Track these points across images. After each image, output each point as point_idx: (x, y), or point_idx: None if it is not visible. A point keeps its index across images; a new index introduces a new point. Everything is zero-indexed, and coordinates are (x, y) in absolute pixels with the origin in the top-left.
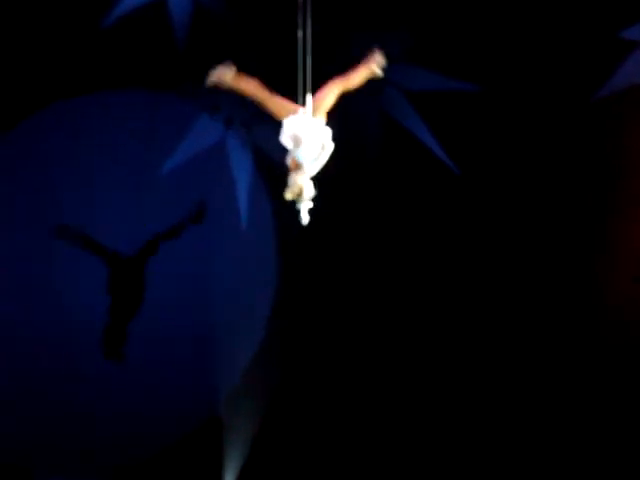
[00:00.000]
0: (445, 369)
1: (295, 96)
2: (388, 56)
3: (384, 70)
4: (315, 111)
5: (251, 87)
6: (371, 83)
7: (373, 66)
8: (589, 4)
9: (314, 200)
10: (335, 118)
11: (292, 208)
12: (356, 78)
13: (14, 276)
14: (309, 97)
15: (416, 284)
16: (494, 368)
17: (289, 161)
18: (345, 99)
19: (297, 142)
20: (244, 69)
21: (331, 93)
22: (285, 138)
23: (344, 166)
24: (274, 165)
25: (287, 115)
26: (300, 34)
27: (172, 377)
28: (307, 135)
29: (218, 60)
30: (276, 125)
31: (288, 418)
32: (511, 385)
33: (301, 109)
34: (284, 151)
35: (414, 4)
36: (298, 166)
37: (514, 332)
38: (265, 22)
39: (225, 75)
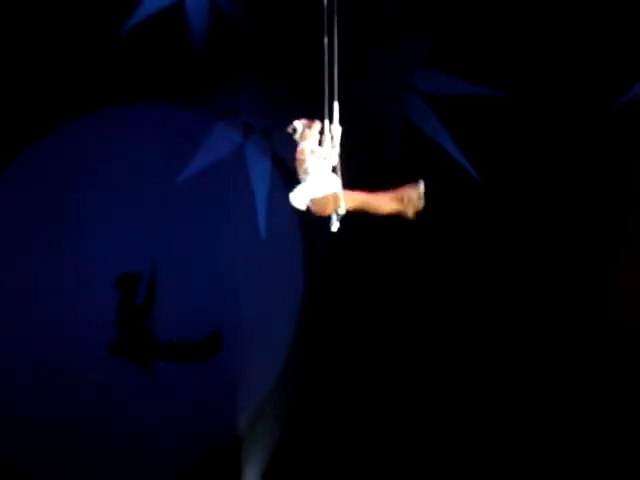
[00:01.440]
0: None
1: (316, 105)
2: (409, 60)
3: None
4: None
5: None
6: (391, 88)
7: (413, 198)
8: (614, 10)
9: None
10: (355, 123)
11: (314, 218)
12: (386, 205)
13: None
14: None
15: (437, 290)
16: (513, 367)
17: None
18: (365, 104)
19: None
20: (262, 74)
21: (357, 201)
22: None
23: (364, 172)
24: (294, 173)
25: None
26: (325, 40)
27: (191, 395)
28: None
29: (236, 67)
30: None
31: (305, 438)
32: (523, 382)
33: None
34: None
35: (436, 7)
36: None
37: (533, 336)
38: (285, 29)
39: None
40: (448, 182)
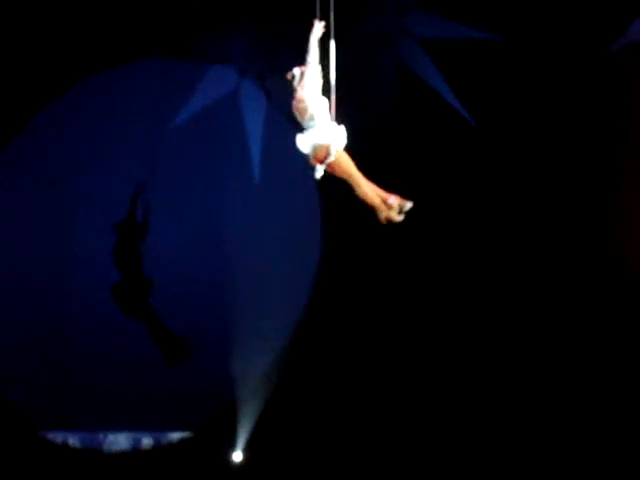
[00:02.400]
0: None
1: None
2: (405, 4)
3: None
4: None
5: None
6: (387, 32)
7: (394, 205)
8: None
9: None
10: (349, 67)
11: (307, 161)
12: (368, 193)
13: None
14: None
15: (431, 240)
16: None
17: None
18: (361, 48)
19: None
20: (256, 18)
21: (346, 167)
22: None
23: (359, 118)
24: (289, 116)
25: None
26: None
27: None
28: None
29: (229, 12)
30: None
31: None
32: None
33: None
34: None
35: None
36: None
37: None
38: None
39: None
40: (443, 126)
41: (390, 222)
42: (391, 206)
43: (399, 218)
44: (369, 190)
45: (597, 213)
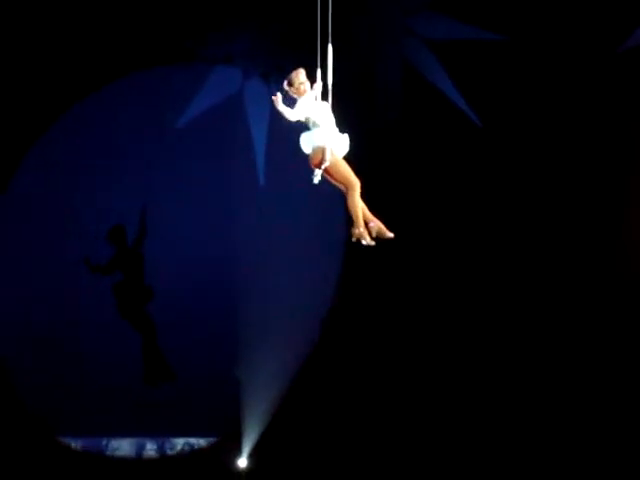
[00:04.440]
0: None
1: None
2: (410, 4)
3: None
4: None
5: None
6: (392, 32)
7: (372, 230)
8: None
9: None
10: (355, 68)
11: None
12: (356, 207)
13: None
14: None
15: (440, 237)
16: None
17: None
18: (366, 48)
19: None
20: (259, 19)
21: (341, 174)
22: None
23: (363, 119)
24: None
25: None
26: None
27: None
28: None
29: (232, 12)
30: None
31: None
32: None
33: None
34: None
35: None
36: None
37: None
38: None
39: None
40: (448, 126)
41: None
42: (370, 229)
43: (370, 242)
44: (359, 204)
45: (604, 213)
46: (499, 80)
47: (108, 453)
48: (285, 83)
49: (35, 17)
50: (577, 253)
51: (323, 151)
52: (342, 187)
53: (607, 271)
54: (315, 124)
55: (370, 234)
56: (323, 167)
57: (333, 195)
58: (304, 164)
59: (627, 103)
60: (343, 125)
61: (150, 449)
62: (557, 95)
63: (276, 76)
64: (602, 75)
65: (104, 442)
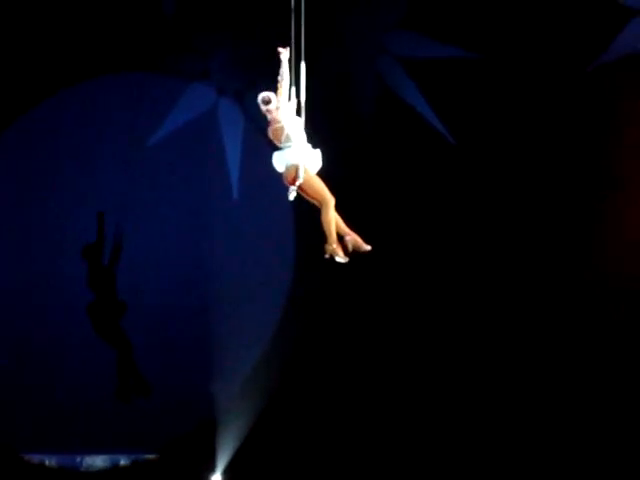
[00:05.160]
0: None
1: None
2: (383, 22)
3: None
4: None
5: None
6: (366, 50)
7: (348, 244)
8: None
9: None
10: (328, 84)
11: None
12: (330, 222)
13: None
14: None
15: (410, 251)
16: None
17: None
18: (340, 66)
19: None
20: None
21: (316, 191)
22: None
23: (337, 135)
24: (266, 133)
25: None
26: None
27: (169, 377)
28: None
29: (207, 30)
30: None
31: (283, 422)
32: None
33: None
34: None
35: None
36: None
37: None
38: None
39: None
40: (422, 145)
41: (330, 257)
42: (346, 242)
43: (343, 259)
44: (333, 220)
45: (576, 228)
46: (472, 98)
47: (82, 469)
48: (260, 100)
49: (22, 12)
50: (551, 267)
51: (297, 169)
52: (316, 203)
53: (578, 283)
54: (288, 139)
55: (345, 249)
56: (297, 184)
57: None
58: (278, 179)
59: (597, 120)
60: (317, 141)
61: (124, 464)
62: (529, 112)
63: (250, 93)
64: (573, 93)
65: (78, 459)
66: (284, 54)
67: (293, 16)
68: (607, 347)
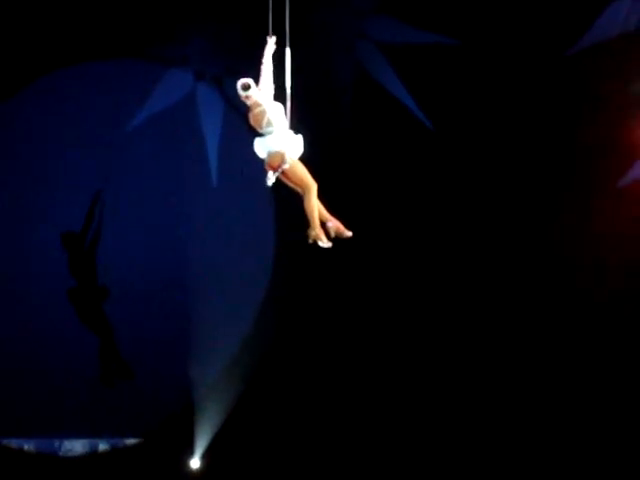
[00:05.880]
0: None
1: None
2: (362, 8)
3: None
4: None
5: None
6: (346, 36)
7: (331, 230)
8: None
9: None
10: (307, 70)
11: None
12: (313, 208)
13: None
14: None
15: (390, 236)
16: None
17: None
18: (317, 51)
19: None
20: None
21: (300, 178)
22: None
23: (315, 122)
24: (246, 119)
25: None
26: None
27: (148, 363)
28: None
29: (186, 15)
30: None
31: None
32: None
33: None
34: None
35: None
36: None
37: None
38: None
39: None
40: (400, 130)
41: (314, 242)
42: (328, 229)
43: (326, 244)
44: (315, 206)
45: (555, 215)
46: (451, 84)
47: (61, 454)
48: (239, 86)
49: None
50: (531, 253)
51: (282, 156)
52: (298, 189)
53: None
54: (270, 124)
55: (328, 234)
56: (280, 170)
57: (291, 195)
58: (258, 165)
59: (576, 105)
60: (296, 127)
61: (103, 449)
62: (508, 98)
63: (229, 79)
64: (552, 78)
65: (56, 443)
66: (271, 41)
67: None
68: (607, 347)
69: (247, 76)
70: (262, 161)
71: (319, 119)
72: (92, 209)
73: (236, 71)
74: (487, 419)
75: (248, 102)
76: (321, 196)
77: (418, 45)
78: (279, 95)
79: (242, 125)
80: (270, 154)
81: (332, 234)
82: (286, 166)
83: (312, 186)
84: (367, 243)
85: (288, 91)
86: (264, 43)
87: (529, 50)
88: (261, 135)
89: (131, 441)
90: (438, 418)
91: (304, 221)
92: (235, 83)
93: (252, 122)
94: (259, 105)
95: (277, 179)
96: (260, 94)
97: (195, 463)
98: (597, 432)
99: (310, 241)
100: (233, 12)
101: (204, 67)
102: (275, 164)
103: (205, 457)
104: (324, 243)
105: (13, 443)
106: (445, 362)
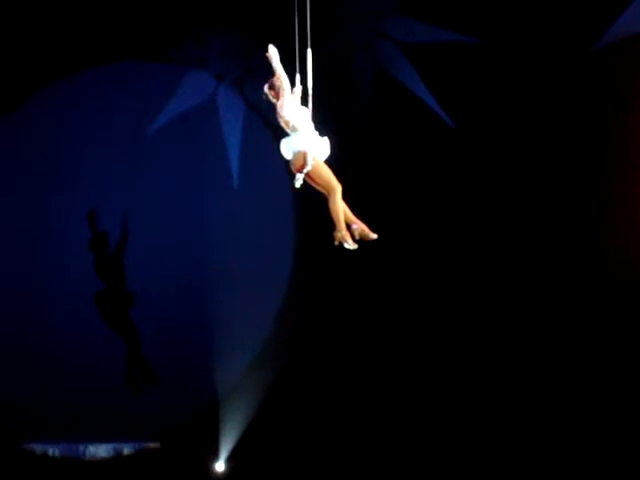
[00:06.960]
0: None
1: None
2: (382, 8)
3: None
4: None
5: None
6: (366, 36)
7: (356, 232)
8: None
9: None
10: (328, 71)
11: (287, 165)
12: (338, 210)
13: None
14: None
15: (412, 235)
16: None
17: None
18: (339, 52)
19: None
20: (232, 23)
21: (325, 179)
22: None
23: (338, 122)
24: (267, 121)
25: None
26: None
27: (173, 363)
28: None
29: (206, 17)
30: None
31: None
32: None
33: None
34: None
35: None
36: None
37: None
38: None
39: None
40: (422, 129)
41: (338, 243)
42: (353, 231)
43: (352, 246)
44: (340, 208)
45: (580, 212)
46: (472, 82)
47: (86, 458)
48: (266, 87)
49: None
50: (552, 251)
51: (305, 156)
52: (324, 191)
53: (582, 272)
54: (295, 129)
55: (353, 236)
56: (305, 172)
57: (311, 198)
58: (279, 168)
59: (600, 102)
60: (321, 129)
61: (127, 453)
62: (529, 96)
63: (249, 80)
64: (575, 75)
65: (81, 448)
66: (272, 54)
67: (296, 2)
68: (606, 345)
69: (267, 78)
70: (287, 163)
71: (341, 120)
72: (124, 217)
73: (256, 73)
74: (509, 420)
75: (276, 101)
76: (345, 197)
77: (439, 44)
78: (307, 96)
79: (263, 127)
80: (295, 154)
81: (357, 236)
82: (309, 167)
83: (337, 188)
84: (389, 243)
85: (310, 92)
86: (286, 45)
87: (551, 46)
88: (287, 135)
89: (155, 445)
90: (466, 421)
91: (324, 223)
92: (255, 85)
93: (280, 123)
94: (282, 116)
95: (304, 181)
96: (283, 106)
97: (220, 466)
98: (600, 433)
99: (336, 243)
100: (253, 13)
101: (224, 69)
102: (299, 165)
103: (230, 460)
104: (350, 245)
105: (38, 448)
106: (478, 364)
